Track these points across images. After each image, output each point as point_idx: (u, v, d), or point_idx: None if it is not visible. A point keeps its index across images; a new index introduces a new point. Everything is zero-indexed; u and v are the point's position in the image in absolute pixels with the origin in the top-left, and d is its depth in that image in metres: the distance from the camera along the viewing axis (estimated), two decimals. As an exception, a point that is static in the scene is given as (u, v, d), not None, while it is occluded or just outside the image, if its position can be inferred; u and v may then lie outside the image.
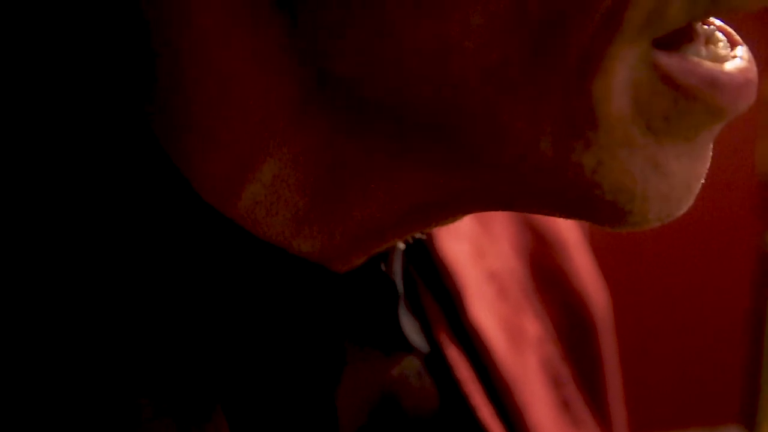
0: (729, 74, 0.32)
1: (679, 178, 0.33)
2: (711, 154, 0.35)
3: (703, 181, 0.34)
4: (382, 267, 0.39)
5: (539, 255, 0.52)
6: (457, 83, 0.30)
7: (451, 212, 0.36)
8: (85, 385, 0.33)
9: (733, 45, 0.33)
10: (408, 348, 0.41)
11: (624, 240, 1.69)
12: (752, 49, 0.34)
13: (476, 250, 0.48)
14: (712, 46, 0.33)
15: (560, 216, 0.35)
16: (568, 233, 0.54)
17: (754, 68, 0.33)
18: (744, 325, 1.64)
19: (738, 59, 0.33)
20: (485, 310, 0.47)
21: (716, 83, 0.31)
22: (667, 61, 0.31)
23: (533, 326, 0.50)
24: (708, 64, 0.32)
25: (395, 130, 0.33)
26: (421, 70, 0.30)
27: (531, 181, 0.32)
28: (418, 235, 0.38)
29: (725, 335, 1.77)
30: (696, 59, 0.31)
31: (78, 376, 0.33)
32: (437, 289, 0.46)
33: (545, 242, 0.52)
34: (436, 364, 0.43)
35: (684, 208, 0.34)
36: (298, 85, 0.32)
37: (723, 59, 0.33)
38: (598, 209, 0.32)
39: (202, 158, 0.34)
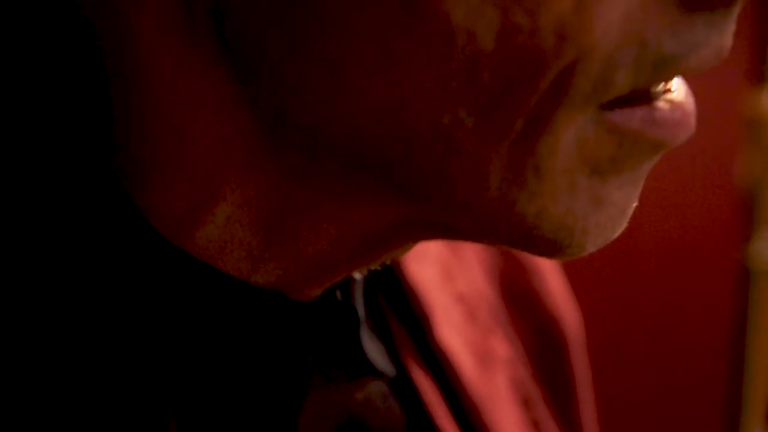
0: (665, 111, 0.33)
1: (618, 206, 0.34)
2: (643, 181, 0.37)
3: (636, 203, 0.36)
4: (338, 295, 0.40)
5: (510, 276, 0.53)
6: (408, 140, 0.32)
7: (402, 244, 0.37)
8: (37, 411, 0.34)
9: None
10: (373, 372, 0.42)
11: (601, 254, 1.70)
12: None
13: (445, 273, 0.49)
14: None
15: (502, 246, 0.37)
16: (540, 254, 0.55)
17: (690, 100, 0.35)
18: (725, 340, 1.64)
19: (674, 93, 0.34)
20: (453, 333, 0.47)
21: (655, 122, 0.33)
22: (612, 116, 0.33)
23: (503, 348, 0.50)
24: (643, 109, 0.33)
25: (347, 175, 0.34)
26: (374, 127, 0.32)
27: (474, 222, 0.34)
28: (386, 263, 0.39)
29: (705, 350, 1.77)
30: (633, 106, 0.33)
31: (30, 403, 0.34)
32: (405, 313, 0.46)
33: (517, 263, 0.53)
34: (404, 387, 0.44)
35: (618, 232, 0.36)
36: (251, 130, 0.33)
37: (659, 95, 0.34)
38: (538, 245, 0.34)
39: (156, 199, 0.35)
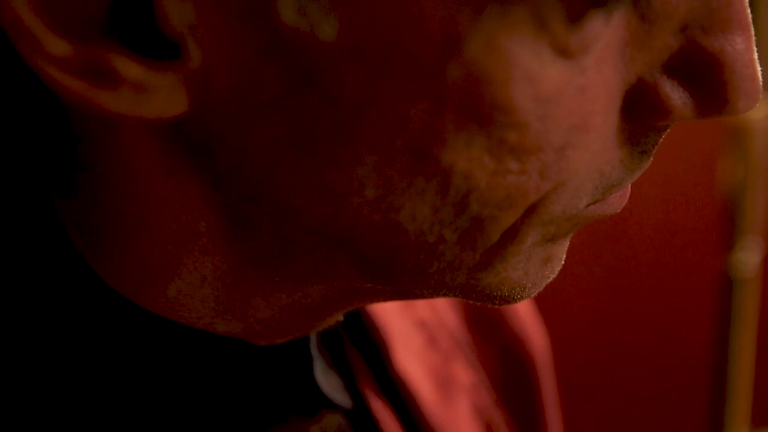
0: (612, 202, 0.39)
1: (560, 257, 0.40)
2: None
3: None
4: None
5: None
6: (396, 250, 0.35)
7: (354, 306, 0.40)
8: None
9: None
10: (330, 405, 0.42)
11: (584, 263, 1.70)
12: None
13: (404, 300, 0.49)
14: None
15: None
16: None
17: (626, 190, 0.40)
18: (708, 348, 1.65)
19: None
20: (412, 360, 0.47)
21: (605, 205, 0.38)
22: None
23: (465, 373, 0.50)
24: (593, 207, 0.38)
25: (304, 263, 0.36)
26: (366, 239, 0.35)
27: (437, 294, 0.39)
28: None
29: (688, 358, 1.77)
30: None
31: None
32: (363, 341, 0.46)
33: None
34: (362, 418, 0.44)
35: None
36: (217, 226, 0.35)
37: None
38: (493, 301, 0.39)
39: (114, 270, 0.36)
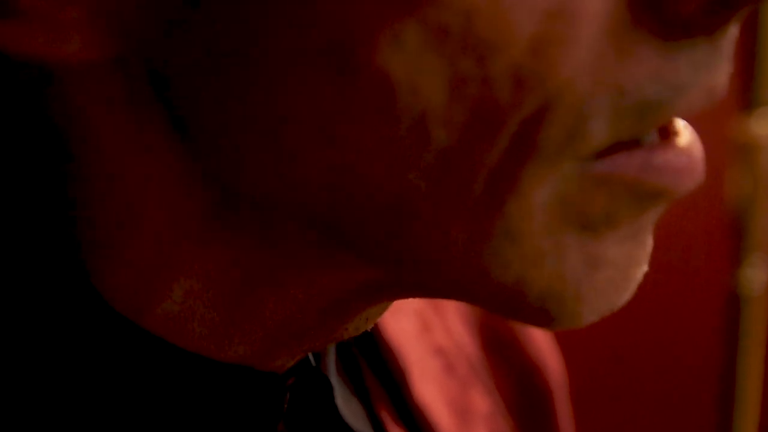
0: (667, 156, 0.30)
1: (619, 265, 0.31)
2: (651, 240, 0.33)
3: (644, 268, 0.32)
4: (312, 361, 0.38)
5: (491, 324, 0.52)
6: (358, 207, 0.29)
7: (374, 304, 0.35)
8: None
9: (673, 129, 0.31)
10: None
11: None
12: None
13: (422, 325, 0.48)
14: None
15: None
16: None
17: (697, 145, 0.31)
18: (715, 366, 1.64)
19: (678, 137, 0.31)
20: (430, 388, 0.46)
21: (654, 168, 0.30)
22: (599, 167, 0.29)
23: (482, 401, 0.49)
24: (639, 155, 0.29)
25: (305, 243, 0.32)
26: (322, 194, 0.29)
27: (449, 287, 0.31)
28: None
29: (696, 376, 1.76)
30: (627, 153, 0.29)
31: None
32: (381, 368, 0.45)
33: None
34: None
35: (625, 298, 0.32)
36: (203, 205, 0.32)
37: (659, 141, 0.30)
38: (525, 314, 0.31)
39: (112, 276, 0.34)
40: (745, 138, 1.53)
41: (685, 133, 0.31)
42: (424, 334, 0.48)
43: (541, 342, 0.54)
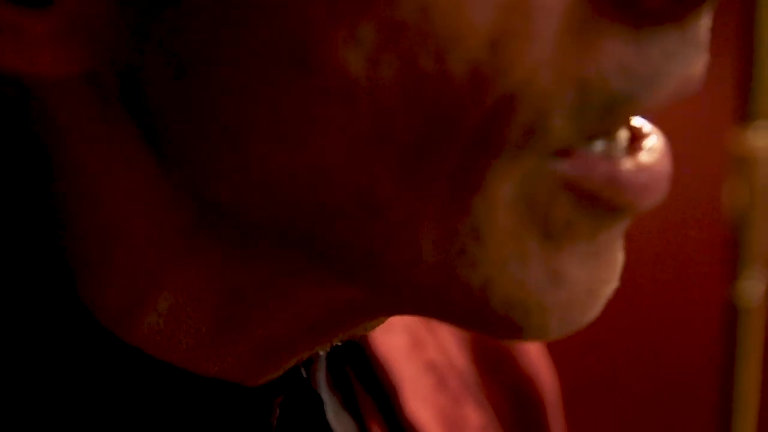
0: (630, 172, 0.30)
1: (582, 284, 0.30)
2: (622, 255, 0.32)
3: (612, 285, 0.32)
4: (303, 373, 0.38)
5: (482, 339, 0.52)
6: (327, 209, 0.29)
7: (359, 323, 0.35)
8: None
9: (643, 137, 0.31)
10: None
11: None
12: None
13: (414, 342, 0.48)
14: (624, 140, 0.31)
15: (459, 326, 0.33)
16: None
17: (665, 160, 0.31)
18: (713, 378, 1.64)
19: (645, 151, 0.30)
20: (422, 404, 0.46)
21: (616, 182, 0.29)
22: (563, 167, 0.29)
23: (475, 415, 0.49)
24: (605, 165, 0.29)
25: (282, 253, 0.32)
26: (291, 197, 0.29)
27: (418, 299, 0.31)
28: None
29: (694, 388, 1.76)
30: (593, 159, 0.29)
31: None
32: (372, 385, 0.45)
33: None
34: None
35: (591, 316, 0.31)
36: (182, 221, 0.32)
37: (628, 150, 0.30)
38: (491, 324, 0.31)
39: (97, 291, 0.34)
40: (742, 151, 1.53)
41: (656, 147, 0.31)
42: (416, 351, 0.48)
43: (533, 355, 0.55)
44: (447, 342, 0.51)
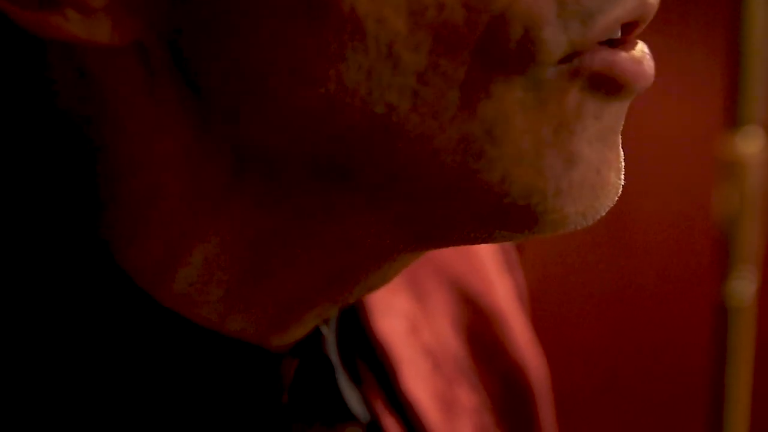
0: (625, 58, 0.35)
1: (592, 164, 0.35)
2: (621, 153, 0.37)
3: (618, 174, 0.36)
4: (323, 331, 0.41)
5: (477, 328, 0.55)
6: (350, 138, 0.33)
7: (375, 268, 0.39)
8: None
9: (632, 42, 0.36)
10: (350, 417, 0.44)
11: (580, 292, 1.71)
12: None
13: (411, 326, 0.51)
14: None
15: (479, 237, 0.37)
16: (506, 303, 0.57)
17: (649, 59, 0.36)
18: (703, 379, 1.65)
19: (635, 51, 0.35)
20: (419, 384, 0.49)
21: (616, 63, 0.34)
22: (568, 66, 0.34)
23: (468, 397, 0.52)
24: (605, 53, 0.34)
25: (312, 187, 0.35)
26: (310, 130, 0.34)
27: (442, 205, 0.35)
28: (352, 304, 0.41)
29: (684, 388, 1.77)
30: (594, 51, 0.34)
31: None
32: (374, 364, 0.48)
33: (483, 314, 0.55)
34: None
35: (602, 204, 0.35)
36: (218, 171, 0.36)
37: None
38: (513, 216, 0.34)
39: (135, 250, 0.37)
40: (731, 156, 1.55)
41: (640, 48, 0.36)
42: (413, 335, 0.51)
43: (524, 344, 0.57)
44: (443, 329, 0.53)
